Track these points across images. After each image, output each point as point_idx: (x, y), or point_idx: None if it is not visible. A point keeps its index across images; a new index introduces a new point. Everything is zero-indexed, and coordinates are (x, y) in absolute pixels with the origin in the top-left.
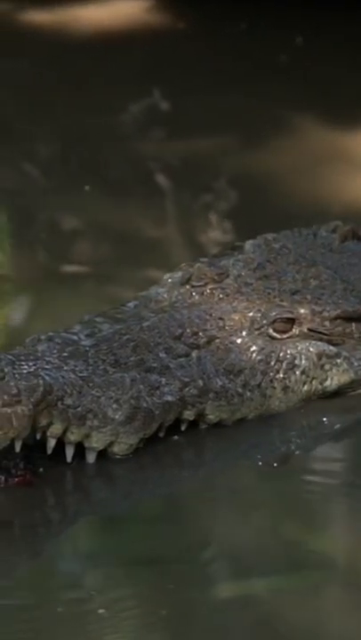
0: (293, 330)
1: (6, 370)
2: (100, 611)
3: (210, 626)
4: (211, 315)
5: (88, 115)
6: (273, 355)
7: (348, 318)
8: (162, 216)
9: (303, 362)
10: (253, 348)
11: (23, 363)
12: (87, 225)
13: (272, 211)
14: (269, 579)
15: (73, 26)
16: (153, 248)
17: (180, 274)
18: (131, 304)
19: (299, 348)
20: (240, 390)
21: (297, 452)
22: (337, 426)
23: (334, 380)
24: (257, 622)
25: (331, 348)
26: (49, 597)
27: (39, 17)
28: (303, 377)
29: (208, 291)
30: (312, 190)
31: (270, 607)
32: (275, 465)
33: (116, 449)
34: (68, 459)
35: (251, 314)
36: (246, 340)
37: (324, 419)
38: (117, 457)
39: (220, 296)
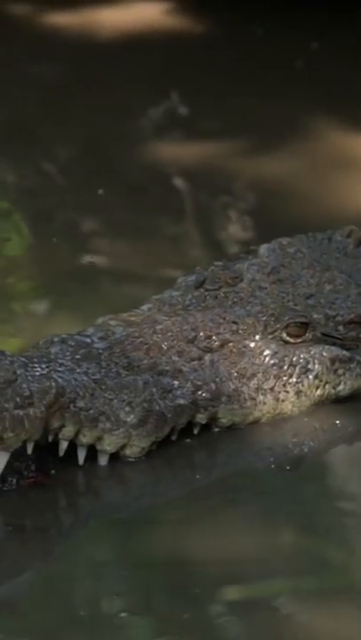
0: (307, 334)
1: (19, 372)
2: (123, 614)
3: (230, 629)
4: (224, 318)
5: (107, 116)
6: (286, 359)
7: None
8: (179, 218)
9: (316, 366)
10: (267, 351)
11: (36, 365)
12: (105, 226)
13: (288, 214)
14: (283, 581)
15: (93, 28)
16: (170, 249)
17: (194, 277)
18: (144, 307)
19: (312, 352)
20: (253, 394)
21: (310, 455)
22: (350, 429)
23: (348, 384)
24: (273, 624)
25: (344, 352)
26: (69, 600)
27: (60, 19)
28: (316, 381)
29: (222, 294)
30: (328, 194)
31: (287, 610)
32: (288, 468)
33: (128, 452)
34: (80, 461)
35: (264, 318)
36: (260, 343)
37: (338, 422)
38: (130, 459)
39: (234, 300)
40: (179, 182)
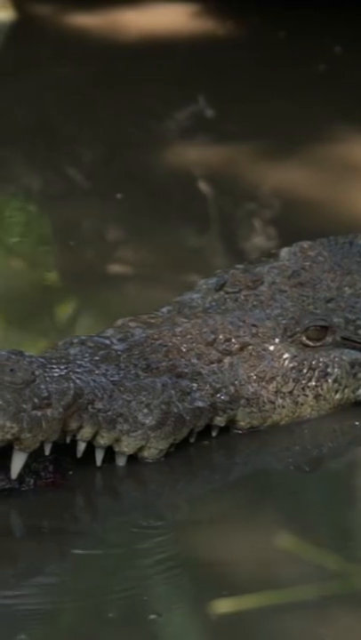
0: (327, 338)
1: (37, 373)
2: (152, 616)
3: (258, 629)
4: (244, 321)
5: (132, 120)
6: (305, 362)
7: None
8: (204, 222)
9: (336, 370)
10: (286, 355)
11: (54, 366)
12: (129, 230)
13: (314, 218)
14: (302, 585)
15: (118, 30)
16: (194, 253)
17: (214, 280)
18: (164, 309)
19: (331, 356)
20: (272, 397)
21: (329, 457)
22: None
23: None
24: (300, 629)
25: None
26: (98, 601)
27: (84, 21)
28: (335, 385)
29: (242, 297)
30: (351, 199)
31: (313, 613)
32: (307, 469)
33: (146, 453)
34: (98, 462)
35: (284, 321)
36: (279, 347)
37: (357, 423)
38: (148, 461)
39: (254, 303)
40: (203, 186)
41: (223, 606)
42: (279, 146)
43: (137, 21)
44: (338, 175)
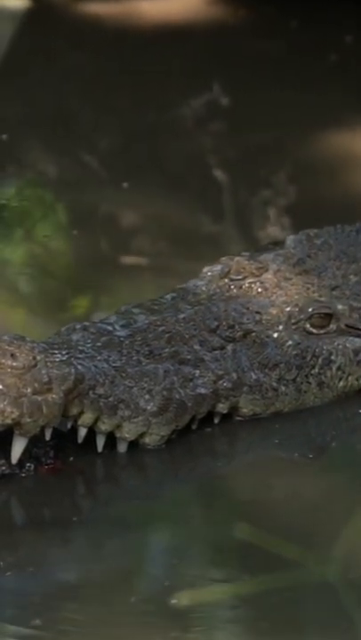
0: (331, 325)
1: (38, 358)
2: (173, 601)
3: (281, 615)
4: (248, 308)
5: (147, 108)
6: (309, 350)
7: None
8: (220, 210)
9: (339, 358)
10: (289, 342)
11: (56, 351)
12: (145, 218)
13: (329, 206)
14: (303, 570)
15: (133, 18)
16: (210, 241)
17: (219, 267)
18: (168, 296)
19: (335, 343)
20: (275, 384)
21: (333, 444)
22: None
23: None
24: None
25: None
26: (100, 588)
27: (98, 9)
28: (339, 373)
29: (247, 284)
30: None
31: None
32: (310, 457)
33: (147, 440)
34: (99, 448)
35: (288, 308)
36: (283, 334)
37: (360, 410)
38: (149, 447)
39: (259, 290)
40: (219, 174)
41: (184, 598)
42: (292, 134)
43: (151, 10)
44: (352, 164)
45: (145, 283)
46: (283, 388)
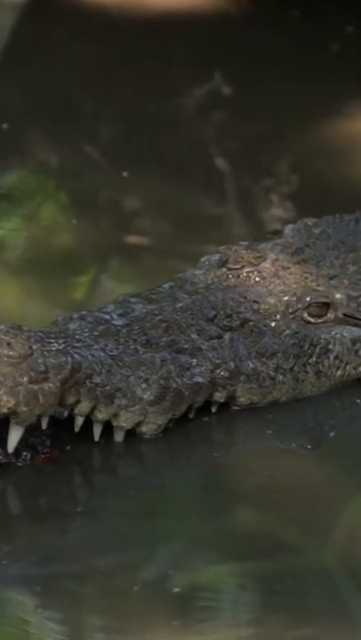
0: (328, 315)
1: (35, 347)
2: (176, 590)
3: (282, 602)
4: (246, 297)
5: (149, 97)
6: (307, 339)
7: None
8: (221, 199)
9: (337, 347)
10: (287, 331)
11: (53, 340)
12: (147, 207)
13: (331, 194)
14: (302, 557)
15: (135, 8)
16: (212, 229)
17: (217, 256)
18: (166, 285)
19: (333, 333)
20: (272, 373)
21: (331, 434)
22: None
23: None
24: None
25: None
26: (100, 576)
27: None
28: (337, 362)
29: (244, 274)
30: None
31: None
32: (308, 447)
33: (144, 429)
34: (96, 437)
35: (286, 298)
36: (280, 323)
37: (358, 400)
38: (146, 437)
39: (257, 279)
40: (222, 163)
41: (187, 586)
42: (295, 123)
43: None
44: (353, 151)
45: (147, 268)
46: (280, 377)
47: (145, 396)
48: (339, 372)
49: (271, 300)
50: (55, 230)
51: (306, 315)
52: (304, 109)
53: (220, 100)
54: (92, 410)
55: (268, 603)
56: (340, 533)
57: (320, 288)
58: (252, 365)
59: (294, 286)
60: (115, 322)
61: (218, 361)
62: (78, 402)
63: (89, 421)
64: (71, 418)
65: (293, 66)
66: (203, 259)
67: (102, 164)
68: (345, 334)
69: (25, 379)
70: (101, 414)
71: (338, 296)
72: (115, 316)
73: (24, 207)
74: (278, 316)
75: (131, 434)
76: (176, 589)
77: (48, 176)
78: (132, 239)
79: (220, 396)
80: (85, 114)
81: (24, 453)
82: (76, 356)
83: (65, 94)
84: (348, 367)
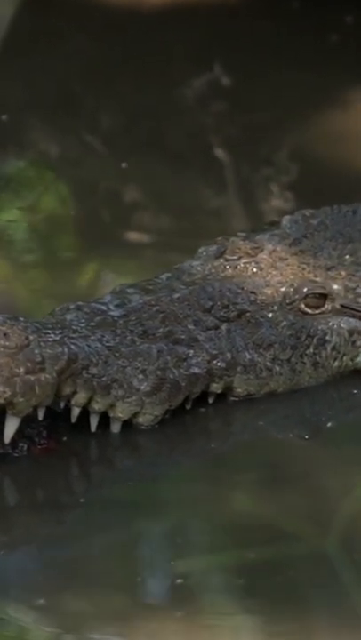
0: (326, 306)
1: (31, 337)
2: (179, 580)
3: (285, 591)
4: (243, 288)
5: (150, 88)
6: (304, 330)
7: None
8: (221, 188)
9: (334, 338)
10: (284, 322)
11: (49, 331)
12: (147, 197)
13: (330, 184)
14: (301, 546)
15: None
16: (212, 219)
17: (214, 247)
18: (163, 276)
19: (330, 324)
20: (269, 364)
21: (328, 424)
22: None
23: None
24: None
25: None
26: (97, 567)
27: None
28: (334, 353)
29: (242, 265)
30: None
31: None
32: (306, 437)
33: (141, 419)
34: (93, 428)
35: (283, 288)
36: (277, 314)
37: (355, 391)
38: (143, 427)
39: (254, 270)
40: (221, 153)
41: (181, 567)
42: (294, 113)
43: None
44: (353, 141)
45: (146, 258)
46: (277, 368)
47: (142, 387)
48: (336, 363)
49: (268, 291)
50: (54, 222)
51: (303, 306)
52: (303, 99)
53: (220, 90)
54: (89, 401)
55: (271, 593)
56: (339, 522)
57: (317, 279)
58: (249, 356)
59: (292, 277)
60: (112, 312)
61: (215, 352)
62: (75, 393)
63: (85, 412)
64: (68, 409)
65: (293, 56)
66: (200, 249)
67: (103, 154)
68: (342, 325)
69: (21, 369)
70: (98, 405)
71: (335, 287)
72: (112, 307)
73: (23, 199)
74: (275, 307)
75: (127, 425)
76: (179, 580)
77: (48, 167)
78: (132, 231)
79: (217, 387)
80: (85, 105)
81: (20, 444)
82: (72, 346)
83: (65, 85)
84: (345, 358)
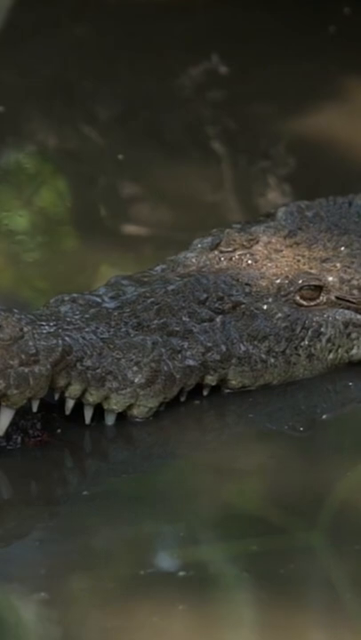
0: (321, 297)
1: (26, 329)
2: (181, 573)
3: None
4: (238, 280)
5: (148, 78)
6: (299, 322)
7: None
8: (219, 180)
9: (329, 330)
10: (279, 314)
11: (44, 323)
12: (145, 188)
13: (328, 175)
14: (292, 535)
15: None
16: (210, 211)
17: (209, 239)
18: (158, 268)
19: (325, 315)
20: (264, 356)
21: (323, 417)
22: None
23: None
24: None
25: (358, 316)
26: (92, 561)
27: None
28: (329, 345)
29: (237, 256)
30: None
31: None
32: (301, 429)
33: (135, 412)
34: (87, 420)
35: (278, 280)
36: (272, 306)
37: (350, 383)
38: (137, 420)
39: (249, 262)
40: (219, 144)
41: (184, 560)
42: (292, 104)
43: None
44: (350, 132)
45: (145, 251)
46: (272, 360)
47: (136, 379)
48: (331, 356)
49: (263, 283)
50: (52, 215)
51: (298, 297)
52: (301, 90)
53: (218, 80)
54: (83, 393)
55: (274, 585)
56: (327, 513)
57: (312, 271)
58: (243, 348)
59: (287, 269)
60: (106, 304)
61: (209, 344)
62: (69, 385)
63: (80, 404)
64: (62, 401)
65: (291, 47)
66: (195, 241)
67: (100, 145)
68: (337, 317)
69: (15, 361)
70: (92, 397)
71: (330, 279)
72: (106, 299)
73: (21, 191)
74: (270, 299)
75: (122, 417)
76: (182, 573)
77: (46, 159)
78: (130, 224)
79: (211, 380)
80: (83, 95)
81: (14, 437)
82: (66, 338)
83: (63, 75)
84: (340, 350)
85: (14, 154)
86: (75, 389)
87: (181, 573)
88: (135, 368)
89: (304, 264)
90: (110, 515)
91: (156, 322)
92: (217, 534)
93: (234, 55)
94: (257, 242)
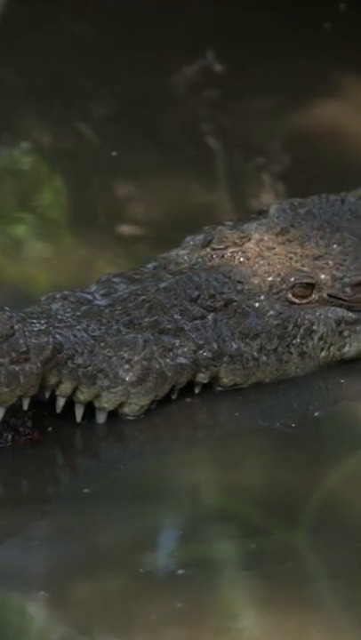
0: (313, 295)
1: (16, 327)
2: (180, 571)
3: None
4: (230, 278)
5: (143, 76)
6: (291, 320)
7: None
8: (214, 177)
9: (321, 328)
10: (271, 312)
11: (35, 321)
12: (140, 186)
13: (324, 172)
14: (284, 534)
15: None
16: (205, 210)
17: (201, 236)
18: (150, 265)
19: (317, 313)
20: (256, 354)
21: (316, 414)
22: (355, 387)
23: (353, 346)
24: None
25: (350, 314)
26: (86, 559)
27: None
28: (321, 343)
29: (229, 254)
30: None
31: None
32: (293, 426)
33: (126, 410)
34: (78, 418)
35: (270, 278)
36: (264, 304)
37: (342, 381)
38: (128, 418)
39: (241, 259)
40: (214, 141)
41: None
42: (287, 101)
43: None
44: (346, 129)
45: (140, 251)
46: (264, 358)
47: (127, 377)
48: (323, 353)
49: (255, 281)
50: (48, 214)
51: (290, 295)
52: (297, 87)
53: (213, 77)
54: (74, 391)
55: (272, 583)
56: (310, 513)
57: (305, 268)
58: (235, 346)
59: (279, 267)
60: (97, 302)
61: (201, 342)
62: (60, 383)
63: (71, 402)
64: (53, 399)
65: (286, 44)
66: (187, 238)
67: (95, 143)
68: (329, 315)
69: (6, 359)
70: (83, 395)
71: (323, 277)
72: (97, 297)
73: (18, 190)
74: (262, 297)
75: (113, 415)
76: (181, 571)
77: (42, 159)
78: (124, 224)
79: (203, 377)
80: (79, 93)
81: (5, 435)
82: (57, 336)
83: (59, 73)
84: (332, 348)
85: (11, 152)
86: (66, 387)
87: (180, 572)
88: (126, 366)
89: (296, 262)
90: (103, 513)
91: (147, 319)
92: (214, 532)
93: (230, 53)
94: (249, 239)
